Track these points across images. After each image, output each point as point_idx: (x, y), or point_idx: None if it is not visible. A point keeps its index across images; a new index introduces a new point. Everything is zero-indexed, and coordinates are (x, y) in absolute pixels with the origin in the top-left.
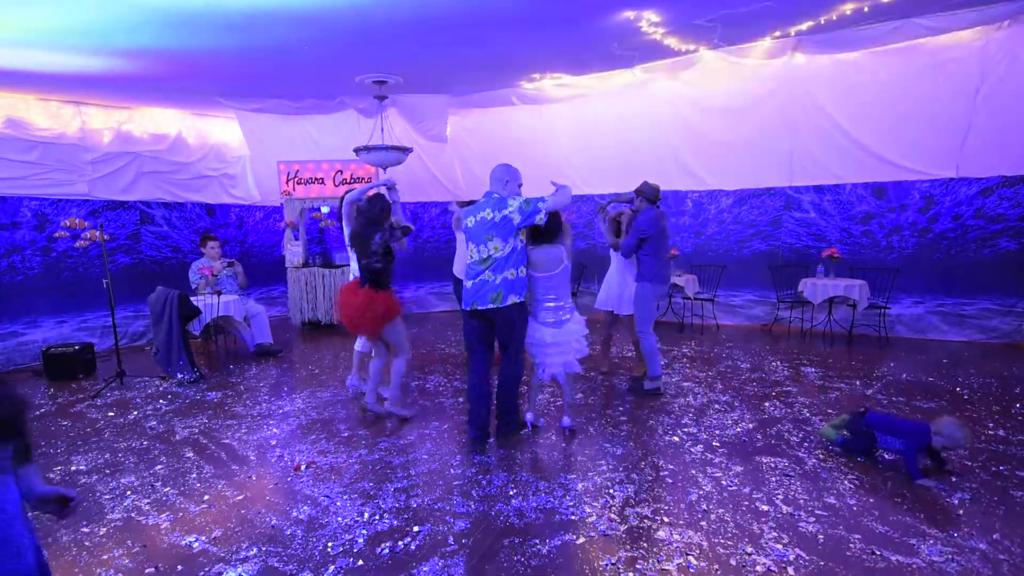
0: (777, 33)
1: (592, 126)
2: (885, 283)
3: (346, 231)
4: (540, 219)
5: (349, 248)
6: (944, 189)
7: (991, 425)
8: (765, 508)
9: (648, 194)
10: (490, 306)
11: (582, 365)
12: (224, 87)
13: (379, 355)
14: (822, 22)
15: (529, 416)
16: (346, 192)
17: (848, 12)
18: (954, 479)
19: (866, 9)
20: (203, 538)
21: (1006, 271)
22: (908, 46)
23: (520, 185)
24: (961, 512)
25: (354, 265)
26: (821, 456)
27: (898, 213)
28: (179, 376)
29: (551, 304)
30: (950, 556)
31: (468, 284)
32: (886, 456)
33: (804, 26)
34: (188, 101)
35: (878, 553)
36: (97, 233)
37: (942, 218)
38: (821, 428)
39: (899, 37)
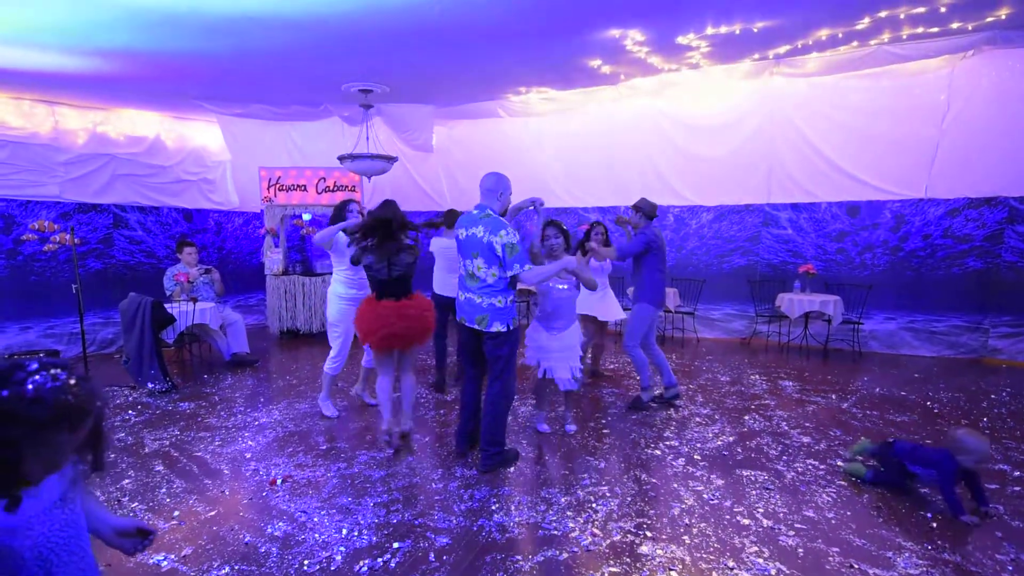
0: (756, 56)
1: (576, 140)
2: (859, 299)
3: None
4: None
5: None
6: (914, 209)
7: None
8: (746, 522)
9: (646, 210)
10: (476, 327)
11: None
12: (206, 91)
13: (386, 374)
14: (799, 46)
15: (542, 426)
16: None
17: (823, 37)
18: (925, 491)
19: (840, 35)
20: (172, 556)
21: (973, 289)
22: (879, 72)
23: (511, 194)
24: (935, 525)
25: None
26: (799, 469)
27: (871, 231)
28: (150, 386)
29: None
30: (925, 569)
31: (460, 297)
32: (921, 489)
33: (782, 49)
34: (168, 104)
35: (856, 566)
36: (67, 236)
37: (912, 237)
38: (846, 467)
39: (870, 63)
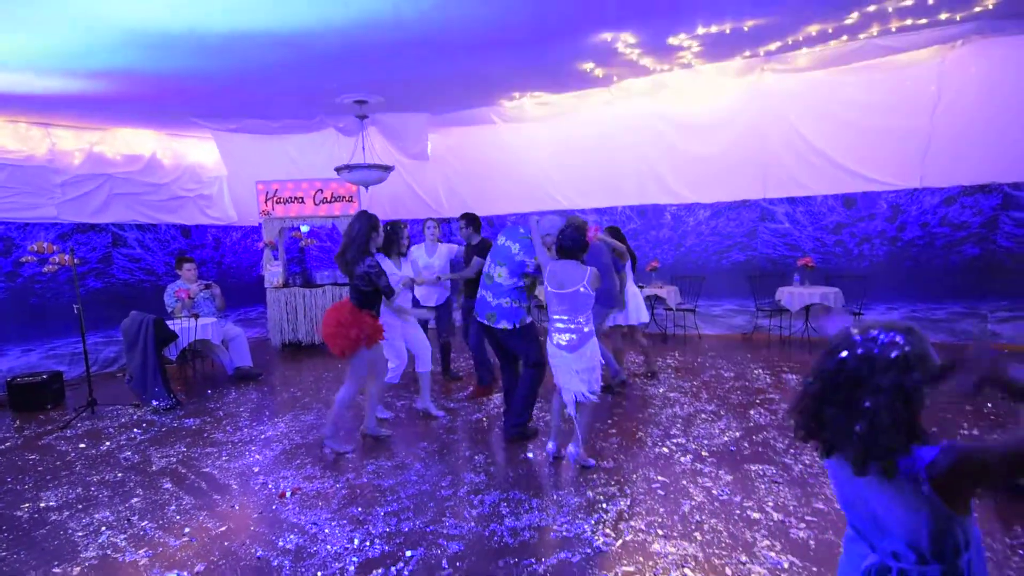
0: (747, 53)
1: (571, 143)
2: (858, 290)
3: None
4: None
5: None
6: (910, 199)
7: (965, 424)
8: (756, 516)
9: (573, 223)
10: (486, 323)
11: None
12: (201, 108)
13: (376, 378)
14: (789, 42)
15: (550, 448)
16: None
17: (814, 33)
18: None
19: (830, 30)
20: (185, 573)
21: (971, 276)
22: (870, 64)
23: (553, 237)
24: None
25: None
26: (807, 462)
27: (867, 222)
28: (154, 403)
29: (560, 325)
30: None
31: (479, 294)
32: None
33: (772, 46)
34: (163, 122)
35: None
36: (67, 257)
37: (909, 226)
38: None
39: (861, 56)
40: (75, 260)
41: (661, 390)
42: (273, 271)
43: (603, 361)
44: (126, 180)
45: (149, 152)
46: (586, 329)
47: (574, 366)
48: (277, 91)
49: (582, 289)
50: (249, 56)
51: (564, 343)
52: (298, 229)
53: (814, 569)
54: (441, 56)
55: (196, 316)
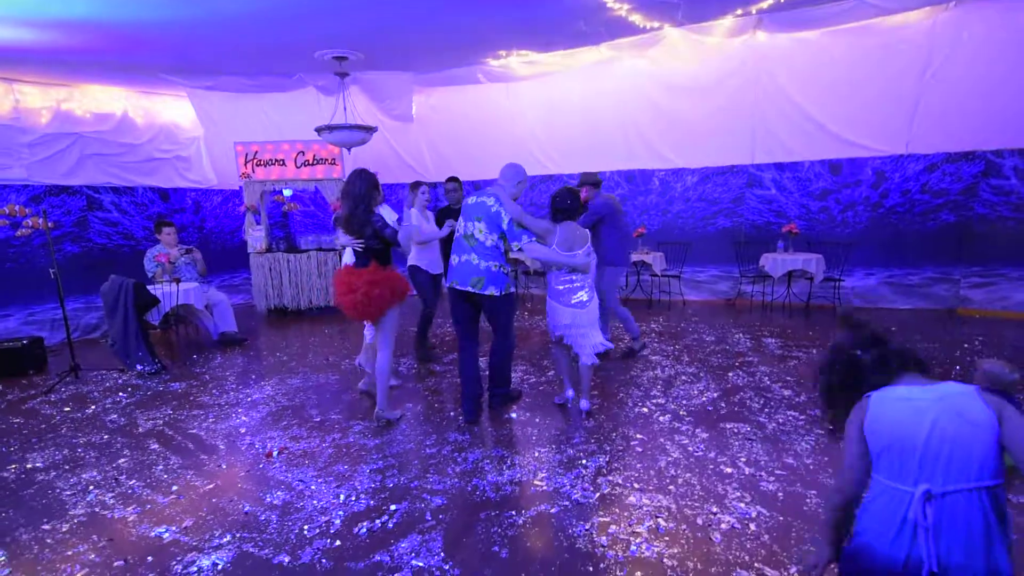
0: (739, 11)
1: (559, 104)
2: (840, 256)
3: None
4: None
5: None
6: (894, 165)
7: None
8: (729, 470)
9: (591, 180)
10: (470, 289)
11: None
12: (171, 63)
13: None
14: (782, 0)
15: (569, 394)
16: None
17: None
18: None
19: None
20: (173, 528)
21: (947, 242)
22: (861, 26)
23: (526, 185)
24: None
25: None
26: (780, 420)
27: (852, 189)
28: (139, 368)
29: (575, 284)
30: None
31: (454, 260)
32: None
33: (765, 4)
34: (133, 78)
35: None
36: (40, 220)
37: (892, 193)
38: None
39: (853, 17)
40: (49, 224)
41: (644, 353)
42: (256, 236)
43: (626, 318)
44: (97, 140)
45: (120, 111)
46: (588, 286)
47: (584, 320)
48: (252, 45)
49: (582, 251)
50: (220, 4)
51: (576, 301)
52: (280, 193)
53: (780, 519)
54: (427, 7)
55: (178, 281)
